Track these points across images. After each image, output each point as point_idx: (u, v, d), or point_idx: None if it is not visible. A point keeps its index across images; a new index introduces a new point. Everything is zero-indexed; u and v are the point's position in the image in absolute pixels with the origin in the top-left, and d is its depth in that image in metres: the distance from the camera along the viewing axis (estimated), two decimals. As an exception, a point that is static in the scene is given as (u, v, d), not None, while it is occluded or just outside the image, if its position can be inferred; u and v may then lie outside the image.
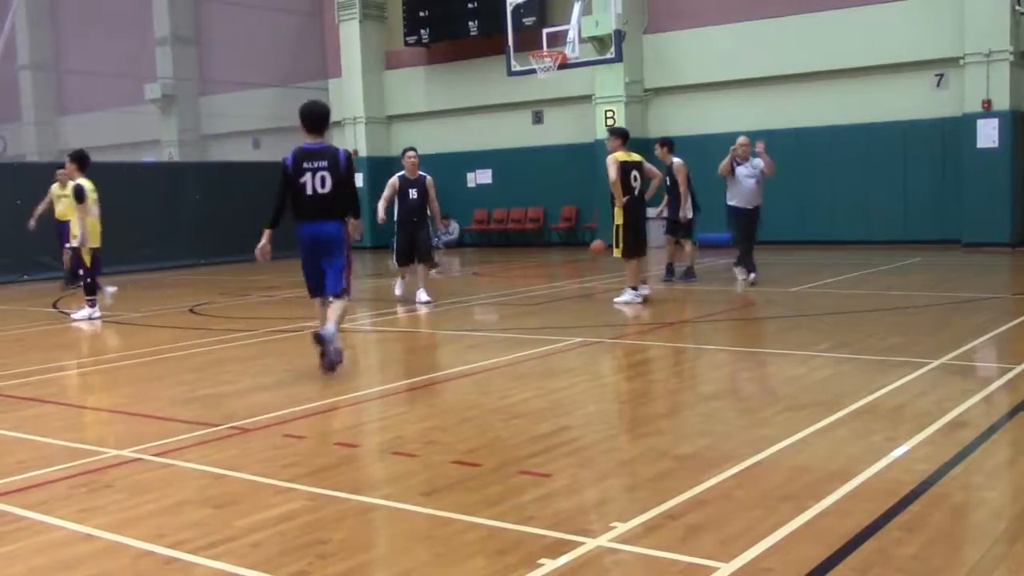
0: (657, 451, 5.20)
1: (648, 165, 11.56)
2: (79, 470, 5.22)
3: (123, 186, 20.67)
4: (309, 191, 7.52)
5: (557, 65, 19.28)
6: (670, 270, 13.79)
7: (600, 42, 20.19)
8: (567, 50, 19.35)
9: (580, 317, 10.90)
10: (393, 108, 25.40)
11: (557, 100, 22.47)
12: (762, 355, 8.04)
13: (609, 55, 19.73)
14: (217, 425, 6.15)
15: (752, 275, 12.72)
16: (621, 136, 11.38)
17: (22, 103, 32.09)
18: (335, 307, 7.60)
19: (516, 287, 14.57)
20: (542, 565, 3.64)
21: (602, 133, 21.66)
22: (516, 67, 20.17)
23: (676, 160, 13.46)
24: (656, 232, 21.54)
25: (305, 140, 7.66)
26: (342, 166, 7.55)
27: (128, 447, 5.64)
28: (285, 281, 16.74)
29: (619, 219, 11.12)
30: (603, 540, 3.87)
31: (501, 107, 23.45)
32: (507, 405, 6.48)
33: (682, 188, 13.34)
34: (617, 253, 11.25)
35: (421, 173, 12.21)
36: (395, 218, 12.30)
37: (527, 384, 7.18)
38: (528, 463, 5.03)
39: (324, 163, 7.52)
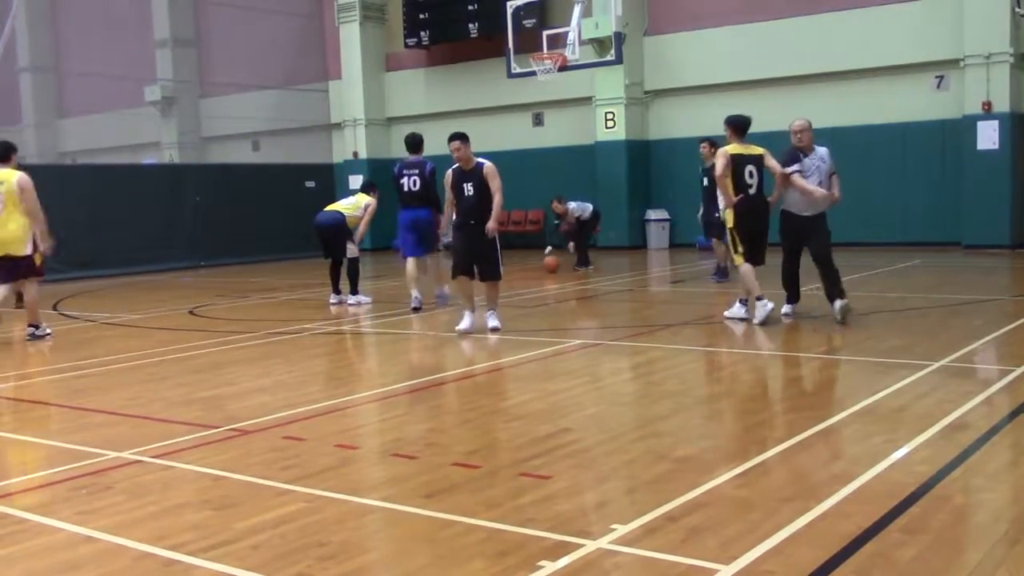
0: (657, 453, 5.20)
1: (770, 161, 9.80)
2: (79, 472, 5.22)
3: (123, 188, 20.72)
4: (406, 188, 11.58)
5: (557, 67, 19.29)
6: (723, 271, 13.60)
7: (600, 44, 20.20)
8: (567, 52, 19.35)
9: (580, 319, 10.90)
10: (393, 110, 25.40)
11: (557, 102, 22.47)
12: (762, 357, 8.04)
13: (609, 57, 19.74)
14: (217, 427, 6.15)
15: (787, 307, 9.85)
16: (733, 126, 9.83)
17: (22, 105, 32.12)
18: (432, 265, 12.19)
19: (516, 289, 14.56)
20: (542, 567, 3.64)
21: (602, 135, 21.71)
22: (516, 69, 20.18)
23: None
24: (658, 235, 21.68)
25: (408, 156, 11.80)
26: (426, 174, 11.52)
27: (128, 449, 5.64)
28: (284, 283, 16.75)
29: (730, 221, 9.69)
30: (603, 542, 3.87)
31: (501, 109, 23.46)
32: (507, 407, 6.48)
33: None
34: (738, 260, 9.73)
35: (479, 160, 9.72)
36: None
37: (527, 386, 7.18)
38: (528, 465, 5.03)
39: (416, 171, 11.55)
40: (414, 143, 11.86)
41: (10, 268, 10.33)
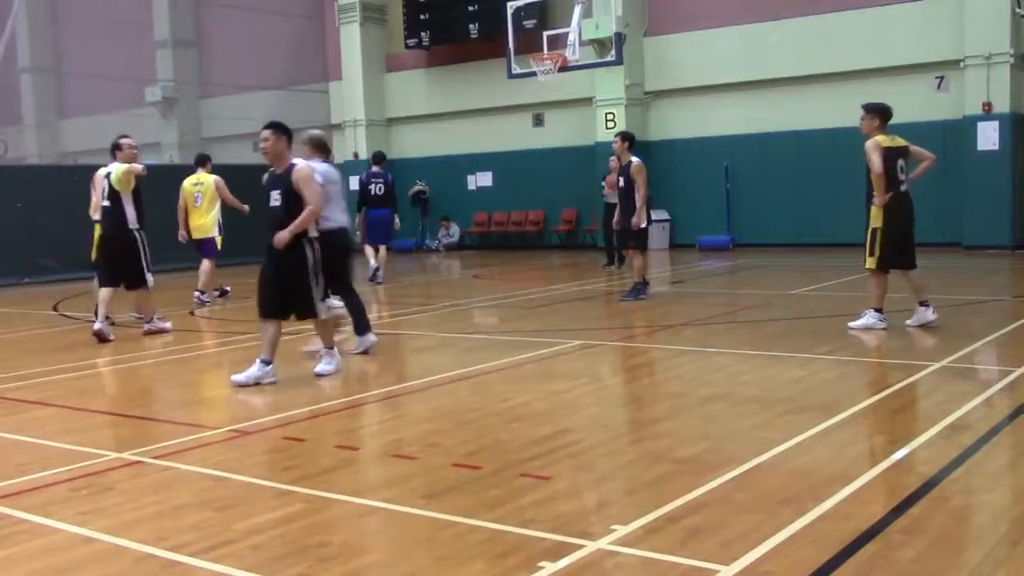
0: (657, 454, 5.20)
1: (916, 148, 9.22)
2: (79, 473, 5.22)
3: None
4: (373, 193, 15.33)
5: (557, 68, 19.30)
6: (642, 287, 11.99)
7: (600, 45, 20.21)
8: (567, 53, 19.36)
9: (580, 320, 10.89)
10: (393, 111, 25.41)
11: (557, 103, 22.48)
12: (762, 358, 8.04)
13: (609, 58, 19.75)
14: (217, 428, 6.16)
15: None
16: (881, 115, 9.03)
17: (23, 106, 32.11)
18: (381, 253, 15.54)
19: (516, 290, 14.57)
20: (543, 568, 3.64)
21: (602, 136, 21.69)
22: (516, 70, 20.19)
23: (635, 160, 11.75)
24: (659, 235, 21.67)
25: (374, 168, 15.61)
26: (388, 182, 15.42)
27: (128, 450, 5.64)
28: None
29: (877, 221, 8.82)
30: (603, 543, 3.87)
31: (501, 110, 23.47)
32: (507, 408, 6.47)
33: (641, 191, 11.62)
34: (870, 263, 8.91)
35: (293, 161, 7.62)
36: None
37: (527, 387, 7.18)
38: (528, 466, 5.03)
39: (381, 180, 15.35)
40: (379, 157, 15.81)
41: (201, 247, 13.84)
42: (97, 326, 10.13)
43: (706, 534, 3.93)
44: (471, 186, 24.49)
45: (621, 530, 4.00)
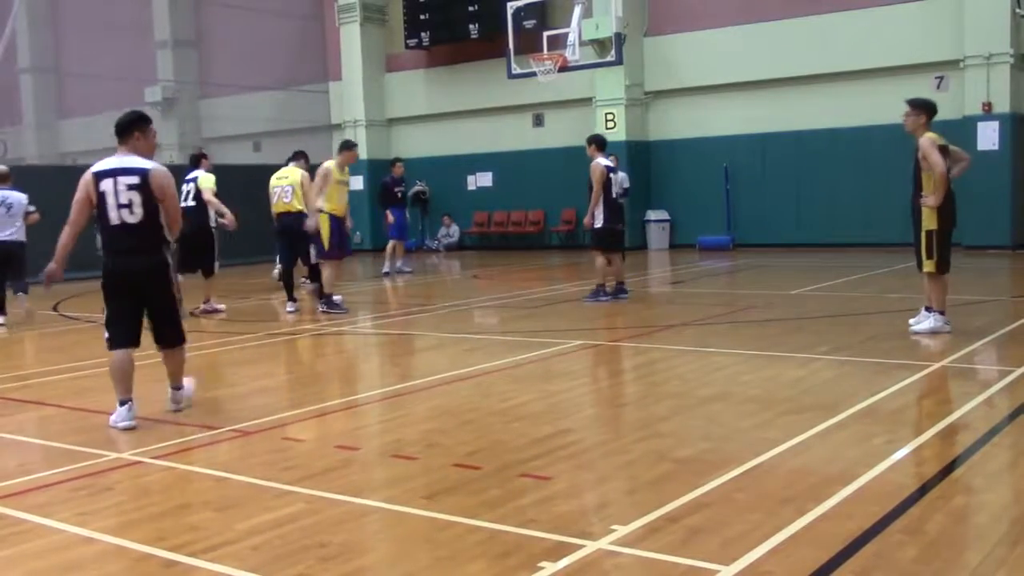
0: (657, 454, 5.20)
1: (953, 147, 8.79)
2: (80, 473, 5.22)
3: (124, 189, 20.72)
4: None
5: (557, 68, 19.29)
6: (620, 288, 12.17)
7: (600, 45, 20.21)
8: (567, 53, 19.35)
9: (580, 320, 10.89)
10: (393, 111, 25.41)
11: (557, 103, 22.47)
12: (762, 358, 8.04)
13: (609, 58, 19.75)
14: (217, 428, 6.15)
15: None
16: (928, 111, 8.63)
17: (23, 106, 32.11)
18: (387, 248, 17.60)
19: (516, 290, 14.57)
20: (543, 568, 3.64)
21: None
22: (516, 70, 20.18)
23: (595, 161, 11.94)
24: (658, 235, 21.68)
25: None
26: (381, 186, 17.84)
27: (128, 450, 5.64)
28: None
29: (931, 223, 8.41)
30: (604, 543, 3.87)
31: (501, 110, 23.46)
32: (507, 408, 6.47)
33: (594, 193, 11.88)
34: (928, 267, 8.51)
35: (146, 164, 6.31)
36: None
37: (527, 387, 7.18)
38: (528, 466, 5.03)
39: (381, 186, 17.87)
40: (391, 163, 18.30)
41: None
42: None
43: (706, 534, 3.93)
44: (471, 186, 24.48)
45: (621, 530, 4.00)
